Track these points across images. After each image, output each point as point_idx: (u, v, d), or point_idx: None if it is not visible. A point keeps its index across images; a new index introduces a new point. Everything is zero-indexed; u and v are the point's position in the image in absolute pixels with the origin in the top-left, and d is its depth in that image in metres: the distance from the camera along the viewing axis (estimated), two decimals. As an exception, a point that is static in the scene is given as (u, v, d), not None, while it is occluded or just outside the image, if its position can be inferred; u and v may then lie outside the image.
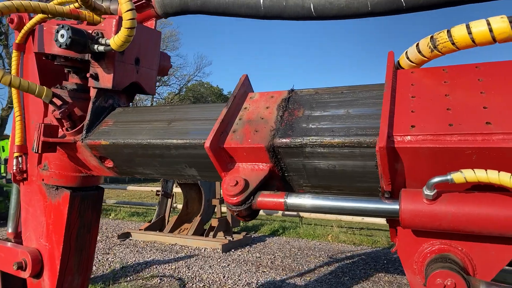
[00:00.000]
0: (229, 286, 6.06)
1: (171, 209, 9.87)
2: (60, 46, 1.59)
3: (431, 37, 1.19)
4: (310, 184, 1.36)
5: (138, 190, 14.50)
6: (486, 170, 0.94)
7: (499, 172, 0.93)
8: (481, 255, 1.04)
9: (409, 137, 1.02)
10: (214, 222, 8.56)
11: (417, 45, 1.24)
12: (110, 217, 12.96)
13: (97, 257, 7.62)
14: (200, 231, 8.71)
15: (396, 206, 1.05)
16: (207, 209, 8.84)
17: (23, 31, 2.00)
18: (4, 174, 12.67)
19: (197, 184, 8.63)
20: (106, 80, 1.73)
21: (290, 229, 10.95)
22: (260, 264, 7.30)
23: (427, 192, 0.99)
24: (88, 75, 1.75)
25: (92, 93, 1.79)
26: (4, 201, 11.53)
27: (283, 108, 1.37)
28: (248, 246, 8.65)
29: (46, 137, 1.70)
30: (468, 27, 1.10)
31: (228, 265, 7.19)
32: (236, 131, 1.35)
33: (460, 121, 1.00)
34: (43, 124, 1.70)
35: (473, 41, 1.09)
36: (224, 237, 8.47)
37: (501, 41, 1.08)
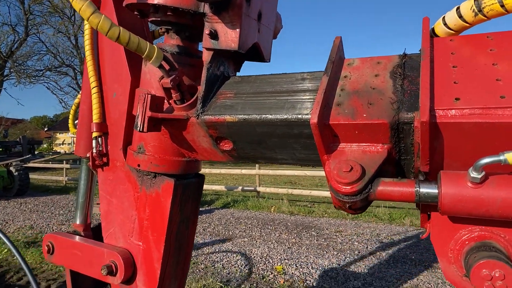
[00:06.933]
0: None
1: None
2: None
3: None
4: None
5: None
6: None
7: None
8: None
9: (453, 111, 0.90)
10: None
11: (458, 8, 1.09)
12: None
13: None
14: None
15: (435, 190, 0.94)
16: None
17: None
18: None
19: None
20: (230, 38, 1.35)
21: (241, 202, 11.83)
22: (193, 231, 8.44)
23: (474, 174, 0.88)
24: (207, 31, 1.36)
25: (206, 56, 1.41)
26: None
27: (401, 76, 1.10)
28: (193, 217, 9.87)
29: (153, 111, 1.34)
30: None
31: (167, 231, 8.39)
32: (342, 104, 1.10)
33: None
34: (149, 95, 1.33)
35: None
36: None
37: None
